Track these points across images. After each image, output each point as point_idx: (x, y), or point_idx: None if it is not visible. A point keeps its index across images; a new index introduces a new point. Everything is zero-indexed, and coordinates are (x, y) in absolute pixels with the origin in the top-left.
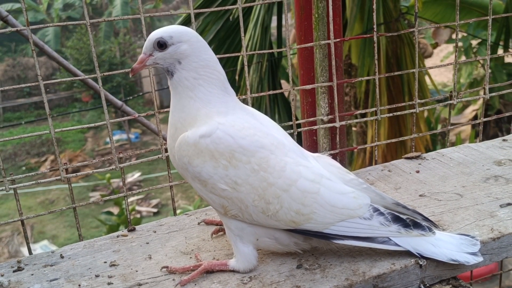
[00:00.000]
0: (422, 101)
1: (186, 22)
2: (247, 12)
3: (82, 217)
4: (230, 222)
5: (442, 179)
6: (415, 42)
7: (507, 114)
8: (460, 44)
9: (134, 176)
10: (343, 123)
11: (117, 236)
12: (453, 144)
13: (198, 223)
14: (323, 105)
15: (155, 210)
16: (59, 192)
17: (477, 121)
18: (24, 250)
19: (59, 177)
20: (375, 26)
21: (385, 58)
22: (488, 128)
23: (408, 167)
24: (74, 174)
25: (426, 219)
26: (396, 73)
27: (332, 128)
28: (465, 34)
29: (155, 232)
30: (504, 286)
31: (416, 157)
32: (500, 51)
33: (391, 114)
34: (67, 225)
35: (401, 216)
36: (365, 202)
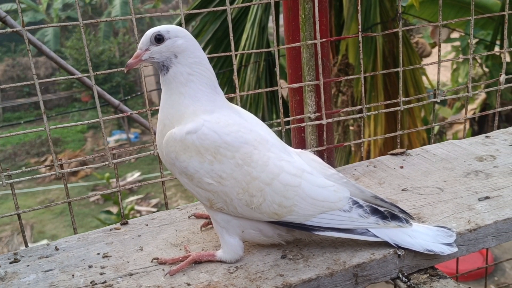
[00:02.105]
0: (407, 99)
1: (186, 22)
2: (245, 12)
3: (81, 217)
4: (216, 215)
5: (425, 174)
6: (399, 42)
7: (490, 111)
8: (457, 43)
9: (133, 176)
10: (330, 120)
11: (110, 229)
12: None
13: (189, 217)
14: (310, 103)
15: (154, 209)
16: (59, 191)
17: (461, 119)
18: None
19: (54, 173)
20: (360, 27)
21: (382, 57)
22: (486, 127)
23: (392, 163)
24: (68, 170)
25: (402, 211)
26: (380, 72)
27: (319, 126)
28: (463, 34)
29: (147, 225)
30: (500, 283)
31: (401, 153)
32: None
33: (376, 112)
34: (66, 225)
35: (379, 208)
36: (345, 195)
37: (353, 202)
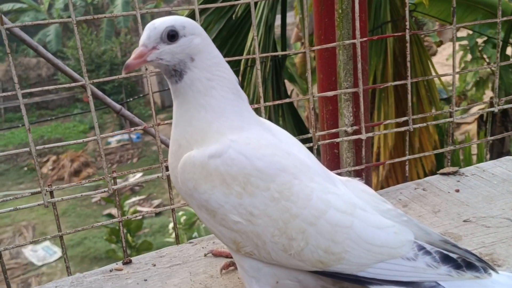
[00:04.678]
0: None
1: (198, 18)
2: (250, 10)
3: (83, 218)
4: (244, 261)
5: (487, 200)
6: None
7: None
8: (465, 42)
9: (135, 177)
10: (370, 134)
11: (110, 271)
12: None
13: (205, 255)
14: (347, 114)
15: (156, 210)
16: (62, 192)
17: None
18: (26, 251)
19: (41, 202)
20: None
21: (393, 56)
22: (494, 127)
23: (445, 185)
24: (59, 199)
25: (480, 259)
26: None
27: (357, 141)
28: (470, 32)
29: (154, 265)
30: None
31: (454, 173)
32: (509, 51)
33: (424, 124)
34: (69, 226)
35: (451, 255)
36: (408, 239)
37: (418, 247)
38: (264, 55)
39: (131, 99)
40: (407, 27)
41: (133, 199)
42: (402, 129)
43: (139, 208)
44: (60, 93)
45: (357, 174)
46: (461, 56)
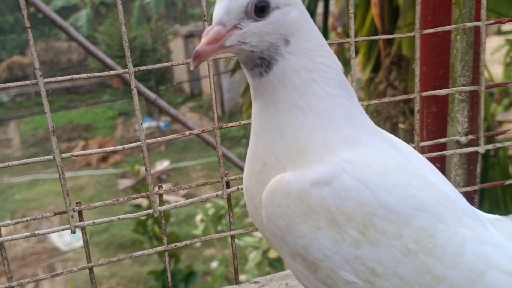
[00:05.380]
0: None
1: None
2: None
3: (110, 205)
4: None
5: None
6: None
7: None
8: (511, 37)
9: (163, 165)
10: (490, 146)
11: None
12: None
13: None
14: (461, 120)
15: (183, 199)
16: (88, 178)
17: None
18: (53, 235)
19: (67, 227)
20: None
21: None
22: None
23: None
24: (91, 222)
25: None
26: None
27: (472, 154)
28: None
29: None
30: None
31: None
32: None
33: None
34: (95, 212)
35: None
36: None
37: None
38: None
39: (164, 87)
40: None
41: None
42: None
43: (166, 197)
44: (90, 79)
45: (467, 196)
46: (507, 50)
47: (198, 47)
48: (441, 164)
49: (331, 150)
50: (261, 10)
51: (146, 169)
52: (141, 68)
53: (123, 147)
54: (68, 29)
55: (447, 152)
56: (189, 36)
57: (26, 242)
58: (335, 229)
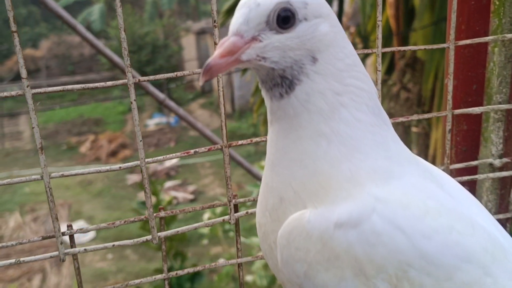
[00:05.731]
0: None
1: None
2: None
3: (118, 200)
4: None
5: None
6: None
7: None
8: None
9: (172, 161)
10: None
11: None
12: None
13: None
14: (496, 141)
15: (191, 196)
16: (97, 173)
17: None
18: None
19: (55, 254)
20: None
21: None
22: None
23: None
24: (83, 249)
25: None
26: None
27: (506, 179)
28: None
29: None
30: None
31: None
32: None
33: None
34: (104, 206)
35: None
36: None
37: None
38: (361, 51)
39: (175, 85)
40: None
41: (168, 183)
42: None
43: (174, 193)
44: (102, 73)
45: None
46: None
47: (209, 59)
48: (470, 187)
49: (359, 184)
50: (285, 21)
51: (145, 192)
52: (141, 78)
53: (120, 167)
54: (76, 26)
55: (479, 176)
56: (201, 33)
57: (34, 234)
58: (362, 281)
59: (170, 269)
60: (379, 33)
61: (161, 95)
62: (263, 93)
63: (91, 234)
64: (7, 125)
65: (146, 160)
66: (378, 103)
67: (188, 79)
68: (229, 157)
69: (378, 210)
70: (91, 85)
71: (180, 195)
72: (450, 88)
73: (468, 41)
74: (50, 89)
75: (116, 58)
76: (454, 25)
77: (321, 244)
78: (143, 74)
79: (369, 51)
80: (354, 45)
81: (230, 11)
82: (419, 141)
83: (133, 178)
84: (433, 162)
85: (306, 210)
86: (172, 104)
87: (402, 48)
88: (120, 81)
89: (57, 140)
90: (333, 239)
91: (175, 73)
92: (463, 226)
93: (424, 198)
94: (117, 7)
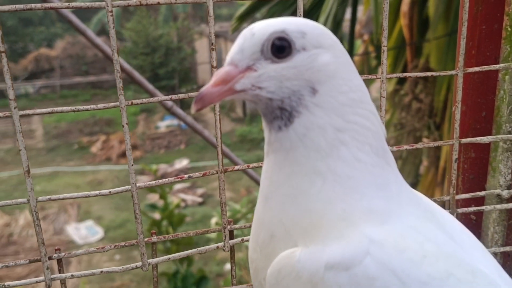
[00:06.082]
0: None
1: (252, 11)
2: (319, 3)
3: (127, 201)
4: None
5: None
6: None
7: None
8: None
9: (182, 163)
10: None
11: None
12: None
13: None
14: (504, 171)
15: (200, 199)
16: (108, 173)
17: None
18: (69, 228)
19: (41, 280)
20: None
21: None
22: None
23: None
24: (69, 275)
25: None
26: None
27: (511, 211)
28: None
29: None
30: None
31: None
32: None
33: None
34: (113, 207)
35: None
36: None
37: None
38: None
39: (185, 92)
40: None
41: (178, 186)
42: None
43: (183, 195)
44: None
45: (505, 256)
46: None
47: (203, 88)
48: (477, 218)
49: (353, 224)
50: (280, 50)
51: (135, 217)
52: (134, 101)
53: (110, 191)
54: (85, 31)
55: (486, 208)
56: (215, 37)
57: (43, 233)
58: None
59: (176, 273)
60: (384, 58)
61: (169, 102)
62: (264, 126)
63: (100, 234)
64: (20, 123)
65: (138, 185)
66: (384, 144)
67: (199, 83)
68: (224, 182)
69: (372, 252)
70: (81, 107)
71: (189, 197)
72: (457, 116)
73: (477, 69)
74: (38, 111)
75: (125, 64)
76: (463, 51)
77: (311, 286)
78: (156, 76)
79: (373, 76)
80: (367, 54)
81: (243, 17)
82: (430, 153)
83: (143, 179)
84: (444, 174)
85: (297, 249)
86: (179, 111)
87: (407, 75)
88: (112, 104)
89: (69, 140)
90: (323, 281)
91: (171, 96)
92: (462, 273)
93: (422, 241)
94: (110, 29)
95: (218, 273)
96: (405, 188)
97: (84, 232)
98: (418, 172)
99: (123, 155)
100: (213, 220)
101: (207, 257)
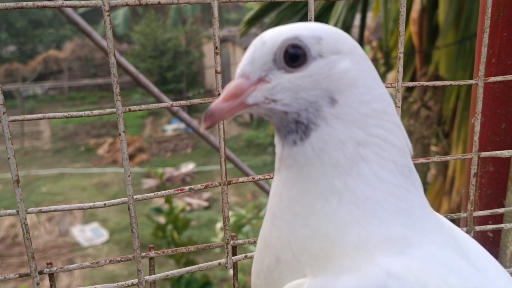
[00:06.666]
0: None
1: (260, 15)
2: (328, 8)
3: (136, 204)
4: None
5: None
6: None
7: None
8: None
9: (188, 167)
10: None
11: None
12: None
13: None
14: None
15: (206, 204)
16: (114, 175)
17: None
18: (75, 230)
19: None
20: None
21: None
22: None
23: None
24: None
25: None
26: None
27: None
28: None
29: None
30: None
31: None
32: None
33: None
34: (118, 210)
35: None
36: None
37: None
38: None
39: (192, 96)
40: None
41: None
42: None
43: (188, 199)
44: (123, 77)
45: None
46: None
47: (212, 105)
48: (494, 235)
49: (368, 253)
50: (294, 59)
51: (132, 231)
52: (132, 108)
53: (105, 204)
54: (91, 34)
55: (505, 226)
56: (223, 41)
57: (48, 235)
58: None
59: (180, 278)
60: (400, 66)
61: (174, 108)
62: (276, 141)
63: (105, 236)
64: (27, 124)
65: (135, 197)
66: (409, 162)
67: (207, 88)
68: (227, 195)
69: (390, 285)
70: (75, 113)
71: (195, 201)
72: (477, 128)
73: (499, 78)
74: (29, 116)
75: (130, 67)
76: (484, 59)
77: None
78: (163, 79)
79: (387, 84)
80: (376, 60)
81: (251, 21)
82: (438, 163)
83: (149, 182)
84: (452, 183)
85: (305, 280)
86: (185, 115)
87: (423, 83)
88: (108, 110)
89: (76, 142)
90: None
91: (171, 102)
92: None
93: (445, 274)
94: (106, 30)
95: (222, 278)
96: (430, 213)
97: (89, 234)
98: (426, 180)
99: (130, 157)
100: (218, 225)
101: (211, 261)
